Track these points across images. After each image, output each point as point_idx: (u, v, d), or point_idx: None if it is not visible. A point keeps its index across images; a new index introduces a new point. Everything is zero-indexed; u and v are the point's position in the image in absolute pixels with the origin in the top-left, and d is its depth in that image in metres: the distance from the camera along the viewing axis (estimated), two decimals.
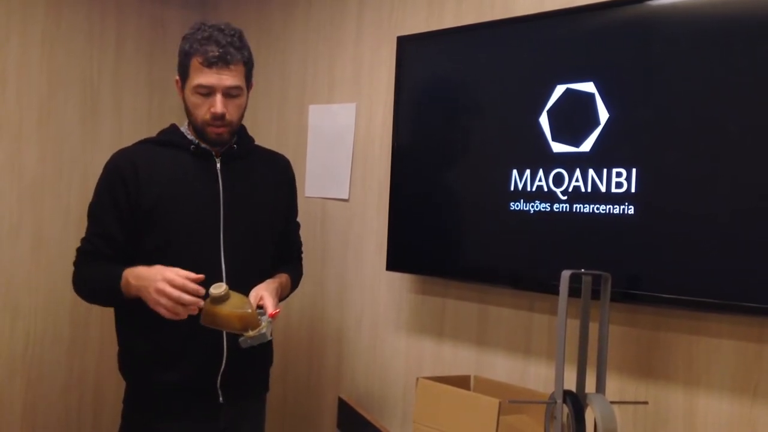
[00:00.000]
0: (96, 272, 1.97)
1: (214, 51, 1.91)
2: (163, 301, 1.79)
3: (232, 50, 1.93)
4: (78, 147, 2.94)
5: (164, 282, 1.80)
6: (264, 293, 1.91)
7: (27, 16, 2.82)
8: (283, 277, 2.09)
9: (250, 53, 2.01)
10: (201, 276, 1.82)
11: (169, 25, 3.19)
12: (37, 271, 2.84)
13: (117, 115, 3.05)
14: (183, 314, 1.80)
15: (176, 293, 1.79)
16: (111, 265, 1.95)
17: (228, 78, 1.93)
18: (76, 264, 2.03)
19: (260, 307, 1.87)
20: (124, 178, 1.96)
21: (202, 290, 1.80)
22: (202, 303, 1.80)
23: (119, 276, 1.89)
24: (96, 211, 2.01)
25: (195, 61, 1.93)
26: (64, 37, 2.91)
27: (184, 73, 1.97)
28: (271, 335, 1.83)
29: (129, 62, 3.08)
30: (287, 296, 2.16)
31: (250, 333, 1.79)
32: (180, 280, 1.80)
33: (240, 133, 2.10)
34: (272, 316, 1.84)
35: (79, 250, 2.02)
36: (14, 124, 2.80)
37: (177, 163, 2.00)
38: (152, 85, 3.14)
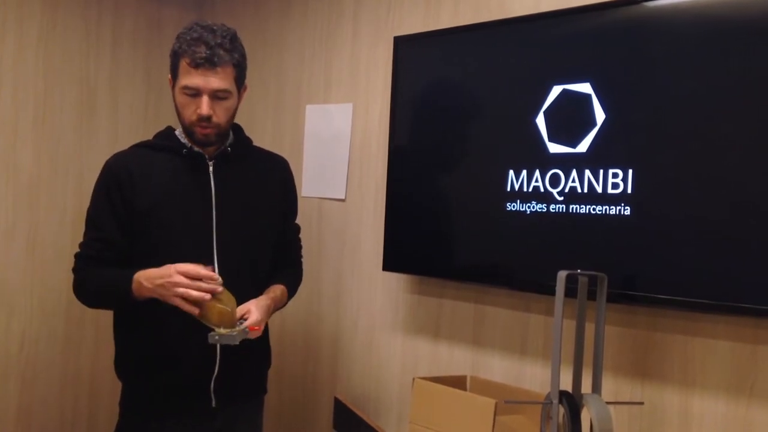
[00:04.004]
0: (102, 277, 1.97)
1: (201, 53, 1.90)
2: (180, 290, 1.81)
3: (221, 52, 1.91)
4: (74, 147, 2.94)
5: (179, 275, 1.82)
6: (252, 308, 1.92)
7: (23, 15, 2.82)
8: (278, 290, 2.08)
9: (241, 55, 1.98)
10: (214, 274, 1.85)
11: (166, 25, 3.19)
12: (32, 270, 2.84)
13: (113, 115, 3.04)
14: (200, 300, 1.82)
15: (194, 284, 1.81)
16: (118, 269, 1.95)
17: (215, 80, 1.92)
18: (76, 270, 2.02)
19: (245, 318, 1.90)
20: (119, 182, 1.96)
21: (216, 276, 1.84)
22: (220, 289, 1.83)
23: (130, 279, 1.90)
24: (94, 216, 2.00)
25: (183, 62, 1.92)
26: (60, 36, 2.90)
27: (174, 72, 1.97)
28: (239, 342, 1.86)
29: (125, 62, 3.07)
30: (283, 306, 2.15)
31: (221, 330, 1.83)
32: (194, 271, 1.83)
33: (236, 134, 2.10)
34: (251, 329, 1.88)
35: (78, 256, 2.01)
36: (10, 123, 2.79)
37: (170, 166, 2.00)
38: (149, 84, 3.14)
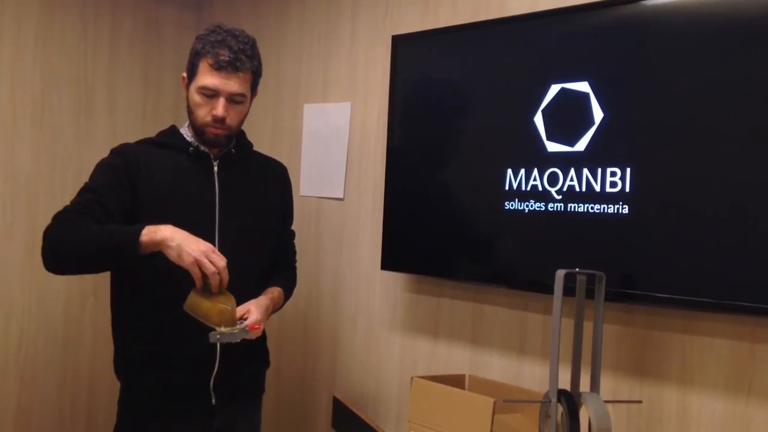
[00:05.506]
0: (98, 226, 1.85)
1: (224, 55, 1.92)
2: (203, 259, 1.78)
3: (243, 57, 1.94)
4: (72, 146, 2.94)
5: (214, 252, 1.80)
6: (252, 308, 1.92)
7: (20, 15, 2.81)
8: (275, 292, 2.09)
9: (259, 63, 2.02)
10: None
11: (164, 25, 3.18)
12: (30, 270, 2.83)
13: (111, 115, 3.04)
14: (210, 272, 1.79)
15: (216, 256, 1.80)
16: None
17: (234, 84, 1.94)
18: (59, 220, 1.88)
19: (244, 318, 1.91)
20: (128, 167, 1.95)
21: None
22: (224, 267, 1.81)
23: (141, 226, 1.81)
24: (94, 185, 1.93)
25: (205, 62, 1.94)
26: (58, 36, 2.90)
27: (192, 71, 1.98)
28: (240, 341, 1.87)
29: (123, 61, 3.07)
30: (280, 308, 2.16)
31: (222, 329, 1.84)
32: (224, 261, 1.81)
33: (238, 137, 2.11)
34: (251, 328, 1.89)
35: (62, 210, 1.90)
36: (8, 123, 2.79)
37: (175, 164, 2.01)
38: (147, 84, 3.14)
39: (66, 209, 1.92)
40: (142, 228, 1.81)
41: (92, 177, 1.97)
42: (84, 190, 1.95)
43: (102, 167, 1.98)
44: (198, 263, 1.78)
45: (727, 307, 1.68)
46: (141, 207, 1.95)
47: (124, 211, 1.93)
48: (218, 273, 1.80)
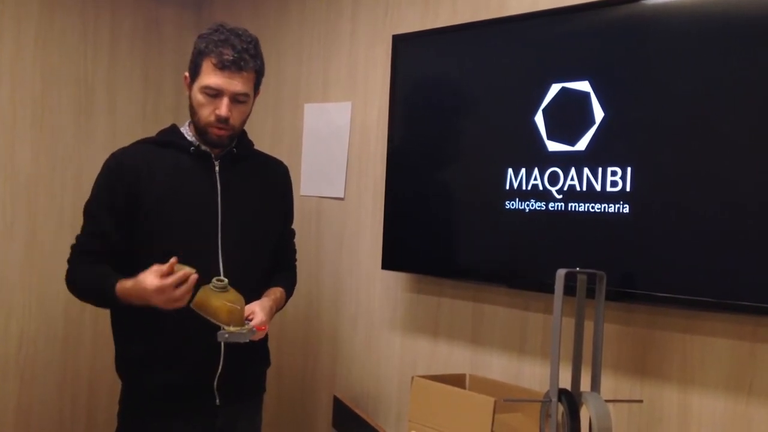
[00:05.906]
0: (91, 277, 1.96)
1: (228, 55, 1.92)
2: (177, 304, 1.81)
3: (247, 57, 1.94)
4: (72, 146, 2.94)
5: (158, 294, 1.79)
6: (257, 309, 1.93)
7: (20, 15, 2.81)
8: (277, 292, 2.09)
9: (262, 62, 2.01)
10: (174, 260, 1.81)
11: (164, 25, 3.18)
12: (30, 270, 2.83)
13: (111, 115, 3.04)
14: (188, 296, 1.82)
15: (178, 293, 1.79)
16: (105, 274, 1.93)
17: (238, 84, 1.94)
18: (70, 261, 2.01)
19: (250, 319, 1.91)
20: (125, 177, 1.96)
21: (189, 274, 1.80)
22: (195, 276, 1.80)
23: (113, 290, 1.88)
24: (93, 209, 1.99)
25: (208, 62, 1.93)
26: (58, 36, 2.90)
27: (195, 71, 1.97)
28: (248, 341, 1.87)
29: (123, 61, 3.07)
30: (281, 309, 2.16)
31: (231, 328, 1.83)
32: (168, 281, 1.79)
33: (240, 136, 2.11)
34: (258, 329, 1.89)
35: (73, 248, 2.01)
36: (8, 123, 2.79)
37: (176, 164, 2.00)
38: (147, 84, 3.14)
39: (73, 248, 2.00)
40: (116, 296, 1.89)
41: (91, 195, 2.01)
42: (85, 217, 2.01)
43: (99, 184, 2.01)
44: (172, 300, 1.80)
45: (727, 307, 1.68)
46: (141, 206, 1.95)
47: (124, 219, 1.95)
48: (188, 277, 1.79)
